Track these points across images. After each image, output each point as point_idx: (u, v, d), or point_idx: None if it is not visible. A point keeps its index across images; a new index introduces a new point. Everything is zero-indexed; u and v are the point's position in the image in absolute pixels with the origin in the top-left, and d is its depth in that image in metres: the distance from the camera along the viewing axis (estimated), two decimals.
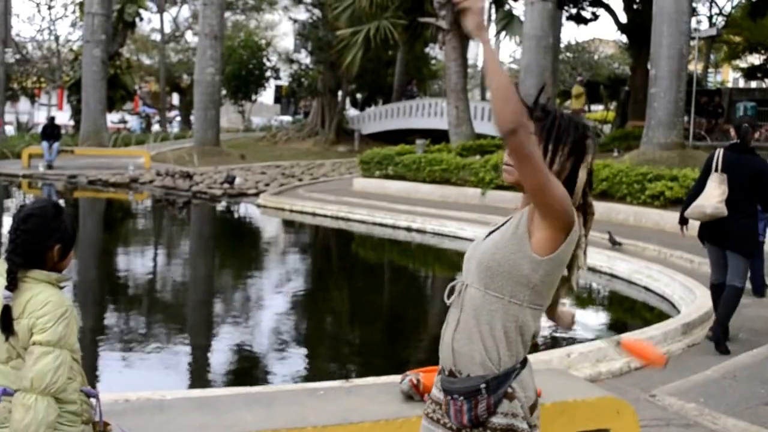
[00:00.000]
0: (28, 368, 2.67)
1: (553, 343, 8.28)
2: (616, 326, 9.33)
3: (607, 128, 34.49)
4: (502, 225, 2.56)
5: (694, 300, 8.61)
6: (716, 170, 7.12)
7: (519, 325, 2.44)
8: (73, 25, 49.08)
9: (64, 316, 2.73)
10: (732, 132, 7.50)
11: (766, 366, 6.27)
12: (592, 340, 7.73)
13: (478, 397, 2.43)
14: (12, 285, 2.73)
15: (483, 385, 2.43)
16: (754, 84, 51.74)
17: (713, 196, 7.04)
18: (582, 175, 2.54)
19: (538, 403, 2.52)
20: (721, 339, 7.06)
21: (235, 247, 16.36)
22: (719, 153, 7.21)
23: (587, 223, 2.58)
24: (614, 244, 12.27)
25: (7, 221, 17.36)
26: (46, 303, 2.72)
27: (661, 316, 8.73)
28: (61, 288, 2.85)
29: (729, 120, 27.95)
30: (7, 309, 2.71)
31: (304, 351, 8.56)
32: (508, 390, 2.42)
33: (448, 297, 2.54)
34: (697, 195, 7.23)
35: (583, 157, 2.54)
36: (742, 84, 56.09)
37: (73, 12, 48.09)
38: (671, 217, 13.34)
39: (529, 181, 2.34)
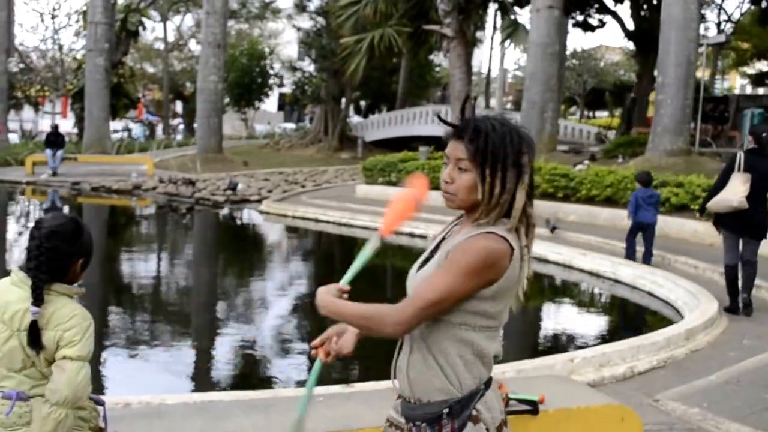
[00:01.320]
0: (61, 383, 2.72)
1: (557, 348, 8.25)
2: (620, 331, 9.27)
3: (612, 134, 34.47)
4: (434, 251, 2.46)
5: (697, 305, 8.56)
6: (739, 170, 8.21)
7: (475, 350, 2.33)
8: (77, 34, 49.29)
9: (89, 329, 2.81)
10: (750, 138, 8.60)
11: None
12: (595, 345, 7.68)
13: (441, 422, 2.32)
14: (39, 300, 2.75)
15: (446, 410, 2.32)
16: (761, 90, 51.71)
17: (739, 192, 8.15)
18: (520, 197, 2.32)
19: (507, 421, 2.42)
20: (749, 302, 8.54)
21: (238, 252, 16.33)
22: (741, 156, 8.30)
23: (529, 234, 2.37)
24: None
25: (13, 228, 17.38)
26: (73, 316, 2.78)
27: (665, 322, 8.67)
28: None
29: (735, 127, 27.96)
30: (35, 325, 2.74)
31: (305, 356, 8.53)
32: (472, 413, 2.32)
33: None
34: (719, 190, 8.36)
35: (520, 177, 2.32)
36: (749, 91, 56.07)
37: (77, 21, 48.33)
38: (676, 223, 13.34)
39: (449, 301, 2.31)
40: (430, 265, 2.41)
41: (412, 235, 14.78)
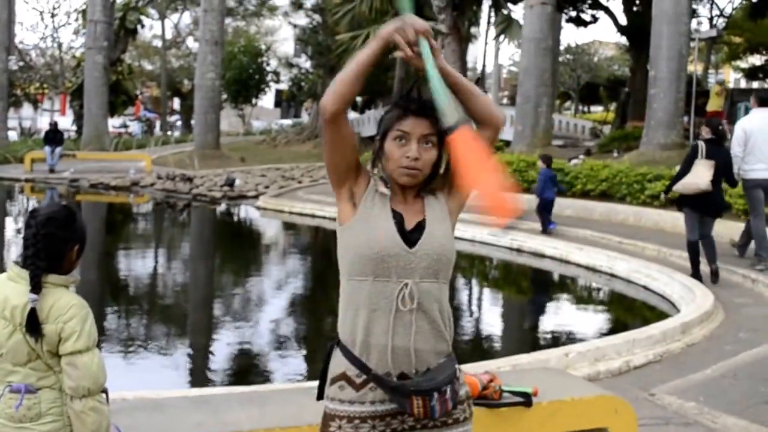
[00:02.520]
0: (79, 378, 2.77)
1: (552, 342, 8.28)
2: (616, 326, 9.31)
3: (606, 129, 34.49)
4: (425, 213, 2.50)
5: (693, 299, 8.59)
6: (701, 158, 9.41)
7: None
8: (76, 32, 49.34)
9: (89, 317, 2.84)
10: (707, 130, 9.81)
11: (766, 365, 6.26)
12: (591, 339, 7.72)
13: (454, 378, 2.42)
14: (37, 288, 2.78)
15: (457, 365, 2.46)
16: (755, 84, 51.72)
17: (705, 176, 9.31)
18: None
19: None
20: (717, 271, 9.71)
21: (235, 248, 16.36)
22: (702, 145, 9.53)
23: None
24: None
25: (11, 224, 17.38)
26: (70, 306, 2.80)
27: (661, 316, 8.71)
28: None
29: (729, 120, 27.99)
30: (34, 312, 2.76)
31: (302, 351, 8.56)
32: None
33: (405, 303, 2.37)
34: (683, 176, 9.55)
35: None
36: (743, 84, 56.07)
37: (76, 20, 48.39)
38: (671, 216, 13.37)
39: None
40: (435, 222, 2.49)
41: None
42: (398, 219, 2.46)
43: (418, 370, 2.38)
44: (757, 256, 10.38)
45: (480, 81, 32.71)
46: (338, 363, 2.45)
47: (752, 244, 10.75)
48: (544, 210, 13.52)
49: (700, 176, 9.35)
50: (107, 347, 7.77)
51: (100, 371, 2.81)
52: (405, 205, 2.50)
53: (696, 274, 9.76)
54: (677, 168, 10.45)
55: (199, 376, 7.34)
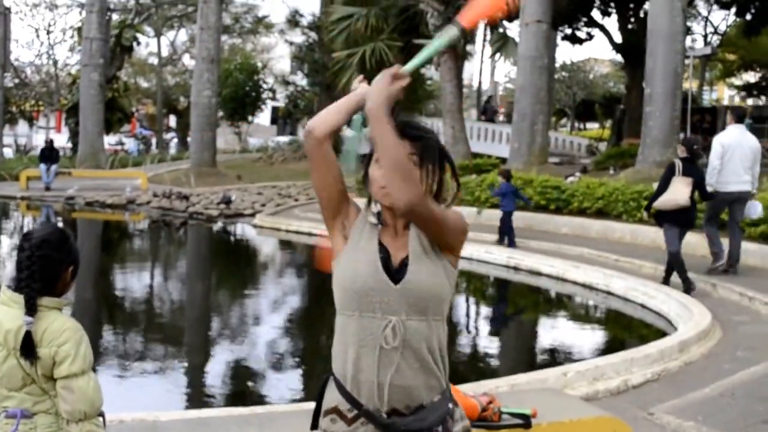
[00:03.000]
0: (75, 402, 2.77)
1: (550, 361, 8.26)
2: (614, 344, 9.29)
3: (602, 146, 34.55)
4: (410, 248, 2.44)
5: (691, 317, 8.58)
6: (678, 175, 9.99)
7: (444, 337, 2.45)
8: (72, 49, 49.39)
9: (83, 340, 2.84)
10: (682, 148, 10.46)
11: (764, 384, 6.24)
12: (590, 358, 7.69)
13: (447, 417, 2.40)
14: (32, 310, 2.77)
15: (450, 404, 2.42)
16: (750, 101, 51.97)
17: (684, 193, 9.94)
18: (448, 179, 2.53)
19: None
20: (689, 285, 10.13)
21: (231, 267, 16.33)
22: (678, 163, 10.13)
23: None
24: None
25: (7, 243, 17.33)
26: (64, 330, 2.80)
27: (658, 333, 8.70)
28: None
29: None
30: (29, 335, 2.75)
31: (299, 370, 8.53)
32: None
33: (388, 341, 2.33)
34: (662, 192, 10.14)
35: (442, 172, 2.51)
36: (737, 101, 56.34)
37: (72, 37, 48.39)
38: None
39: (433, 229, 2.39)
40: (419, 260, 2.41)
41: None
42: (384, 254, 2.41)
43: (410, 406, 2.35)
44: (715, 255, 11.17)
45: (491, 98, 32.82)
46: (331, 396, 2.43)
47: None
48: (506, 223, 14.10)
49: (679, 193, 9.97)
50: (103, 367, 7.73)
51: (97, 394, 2.80)
52: (395, 238, 2.45)
53: (687, 284, 10.18)
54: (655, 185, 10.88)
55: (196, 396, 7.30)
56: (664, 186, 10.18)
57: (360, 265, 2.40)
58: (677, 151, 10.61)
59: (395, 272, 2.38)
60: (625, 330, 10.39)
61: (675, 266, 10.29)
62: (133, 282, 13.65)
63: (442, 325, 2.44)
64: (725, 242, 11.15)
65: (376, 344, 2.34)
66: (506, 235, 14.18)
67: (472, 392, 3.92)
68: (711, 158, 10.77)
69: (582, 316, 11.68)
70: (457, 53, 26.11)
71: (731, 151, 10.71)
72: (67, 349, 2.77)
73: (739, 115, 11.68)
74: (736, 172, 10.70)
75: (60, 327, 2.79)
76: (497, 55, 28.91)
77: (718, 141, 10.89)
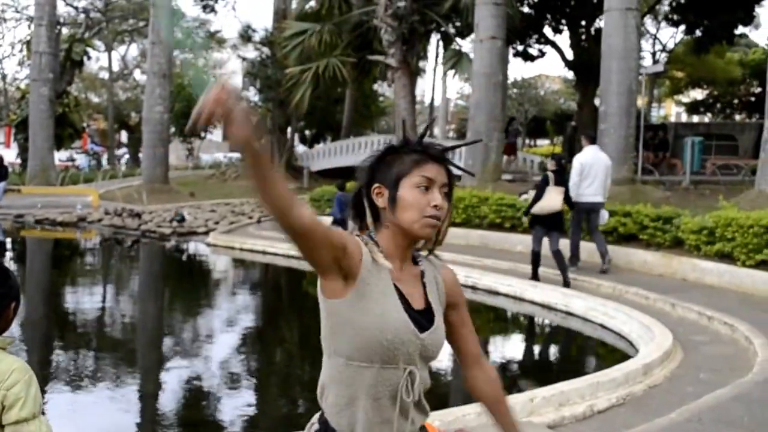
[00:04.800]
0: None
1: (511, 384, 8.17)
2: (576, 366, 9.24)
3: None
4: (428, 297, 2.32)
5: (652, 338, 8.56)
6: (551, 185, 11.84)
7: None
8: (21, 63, 48.87)
9: (32, 381, 2.66)
10: (552, 162, 12.40)
11: (730, 408, 6.21)
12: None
13: None
14: None
15: None
16: (696, 118, 52.89)
17: (558, 200, 11.87)
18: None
19: None
20: (567, 280, 11.99)
21: (185, 286, 16.06)
22: (551, 175, 11.94)
23: None
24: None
25: None
26: (12, 371, 2.62)
27: (617, 353, 8.67)
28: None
29: (674, 154, 28.47)
30: None
31: (251, 393, 8.35)
32: None
33: (409, 394, 2.19)
34: (538, 200, 11.93)
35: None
36: (684, 118, 57.30)
37: (21, 51, 47.75)
38: (625, 253, 13.43)
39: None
40: (438, 315, 2.32)
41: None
42: (404, 300, 2.22)
43: None
44: (571, 259, 12.92)
45: (513, 120, 32.72)
46: None
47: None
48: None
49: (554, 200, 11.86)
50: (54, 393, 7.49)
51: None
52: (401, 276, 2.26)
53: (535, 277, 12.26)
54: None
55: (149, 425, 7.09)
56: (540, 194, 11.97)
57: (387, 315, 2.16)
58: (548, 165, 12.70)
59: (414, 319, 2.21)
60: (587, 352, 10.35)
61: (533, 262, 12.24)
62: (85, 302, 13.32)
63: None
64: (591, 246, 13.15)
65: (394, 396, 2.17)
66: None
67: (444, 428, 3.81)
68: (572, 174, 12.50)
69: (543, 337, 11.64)
70: (410, 69, 26.14)
71: (588, 169, 12.58)
72: (17, 392, 2.59)
73: (592, 137, 13.73)
74: (592, 186, 12.58)
75: (7, 368, 2.62)
76: (452, 71, 28.96)
77: (577, 160, 12.74)
